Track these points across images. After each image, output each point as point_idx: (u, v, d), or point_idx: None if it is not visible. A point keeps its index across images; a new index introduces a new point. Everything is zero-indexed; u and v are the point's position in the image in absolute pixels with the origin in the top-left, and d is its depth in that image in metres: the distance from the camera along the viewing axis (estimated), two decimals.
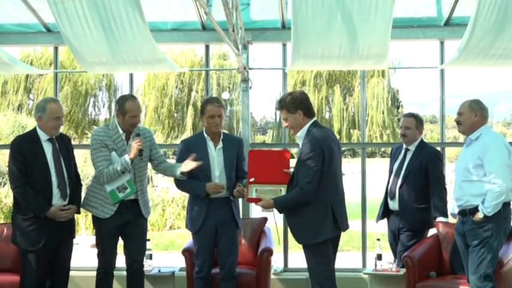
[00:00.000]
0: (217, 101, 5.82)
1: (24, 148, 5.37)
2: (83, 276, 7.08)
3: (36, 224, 5.37)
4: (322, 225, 4.98)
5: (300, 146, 5.10)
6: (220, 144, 5.83)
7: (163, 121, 30.43)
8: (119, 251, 5.91)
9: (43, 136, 5.43)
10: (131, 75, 7.88)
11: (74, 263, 5.88)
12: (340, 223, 5.09)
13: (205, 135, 5.83)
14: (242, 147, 6.06)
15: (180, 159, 5.77)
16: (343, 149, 8.04)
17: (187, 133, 27.88)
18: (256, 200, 5.25)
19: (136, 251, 5.87)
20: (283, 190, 5.19)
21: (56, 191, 5.42)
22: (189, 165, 5.62)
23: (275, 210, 5.21)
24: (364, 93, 8.00)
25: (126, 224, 5.71)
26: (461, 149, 5.58)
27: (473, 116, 5.39)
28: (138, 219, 5.77)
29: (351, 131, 33.75)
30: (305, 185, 4.92)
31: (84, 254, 10.01)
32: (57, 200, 5.44)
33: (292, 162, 5.28)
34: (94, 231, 6.11)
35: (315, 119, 5.18)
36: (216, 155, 5.80)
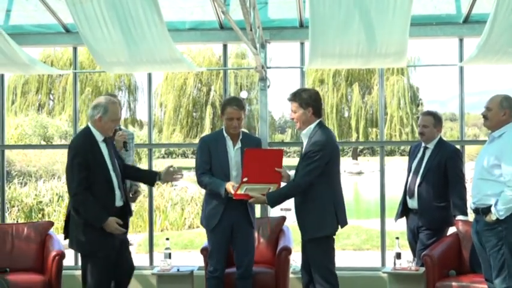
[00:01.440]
0: (238, 104, 5.73)
1: (87, 151, 5.17)
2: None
3: (97, 229, 5.16)
4: (326, 220, 5.24)
5: (305, 143, 5.31)
6: (239, 145, 5.80)
7: (181, 120, 30.58)
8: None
9: (99, 137, 5.26)
10: (150, 75, 7.91)
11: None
12: (340, 219, 5.31)
13: (225, 134, 5.83)
14: (261, 147, 6.06)
15: (203, 157, 5.75)
16: (361, 147, 7.98)
17: (206, 132, 27.96)
18: (245, 197, 5.37)
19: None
20: (271, 189, 5.36)
21: (117, 192, 5.29)
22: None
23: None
24: (382, 91, 7.97)
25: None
26: (484, 145, 5.47)
27: (502, 115, 5.21)
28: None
29: (370, 129, 33.71)
30: (300, 178, 5.19)
31: None
32: (118, 201, 5.31)
33: (288, 161, 5.37)
34: None
35: (321, 119, 5.39)
36: (234, 155, 5.78)
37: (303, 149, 5.35)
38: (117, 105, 5.41)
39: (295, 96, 5.35)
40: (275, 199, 5.33)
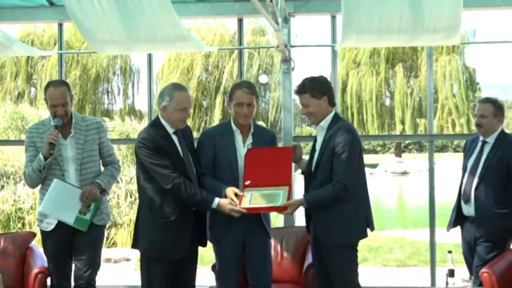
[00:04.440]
0: (249, 86, 5.68)
1: (160, 142, 5.42)
2: None
3: (173, 229, 5.43)
4: (357, 224, 5.39)
5: (322, 137, 5.42)
6: (250, 140, 5.69)
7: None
8: None
9: (169, 128, 5.50)
10: (150, 56, 7.94)
11: None
12: (369, 222, 5.49)
13: (233, 126, 5.69)
14: (275, 143, 5.96)
15: (205, 155, 5.66)
16: (406, 142, 7.98)
17: (217, 122, 27.98)
18: (260, 210, 5.41)
19: (85, 266, 5.97)
20: (281, 193, 5.37)
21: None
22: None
23: None
24: (431, 74, 7.93)
25: (74, 234, 5.90)
26: None
27: None
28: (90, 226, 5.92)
29: (417, 120, 33.60)
30: (343, 178, 5.23)
31: None
32: None
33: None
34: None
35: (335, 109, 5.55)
36: (244, 152, 5.63)
37: (320, 144, 5.43)
38: (184, 92, 5.55)
39: (305, 87, 5.43)
40: (316, 202, 5.37)
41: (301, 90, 5.44)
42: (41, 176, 5.78)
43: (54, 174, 5.83)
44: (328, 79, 5.64)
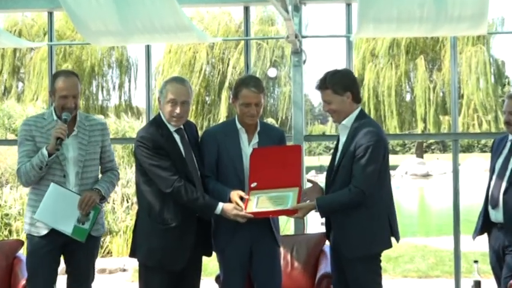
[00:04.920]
0: (256, 84, 5.61)
1: (160, 141, 5.42)
2: None
3: (174, 236, 5.43)
4: (381, 232, 5.32)
5: (345, 137, 5.36)
6: (256, 139, 5.68)
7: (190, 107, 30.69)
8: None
9: (170, 126, 5.52)
10: (148, 48, 7.96)
11: None
12: (394, 231, 5.41)
13: (238, 125, 5.67)
14: (284, 143, 5.95)
15: (208, 156, 5.65)
16: (430, 141, 7.98)
17: (222, 120, 27.99)
18: (269, 214, 5.39)
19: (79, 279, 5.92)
20: (291, 195, 5.34)
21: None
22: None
23: None
24: (456, 67, 7.94)
25: (67, 244, 5.75)
26: None
27: None
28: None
29: (440, 117, 33.55)
30: (361, 183, 5.18)
31: None
32: None
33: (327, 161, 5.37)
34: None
35: (361, 106, 5.48)
36: (249, 152, 5.60)
37: (343, 144, 5.39)
38: (176, 83, 5.54)
39: (326, 82, 5.37)
40: (329, 207, 5.33)
41: (323, 85, 5.39)
42: (40, 173, 5.59)
43: (54, 174, 5.66)
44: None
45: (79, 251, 5.76)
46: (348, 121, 5.38)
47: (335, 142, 5.68)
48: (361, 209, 5.23)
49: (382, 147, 5.29)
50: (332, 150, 5.80)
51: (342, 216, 5.33)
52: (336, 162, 5.40)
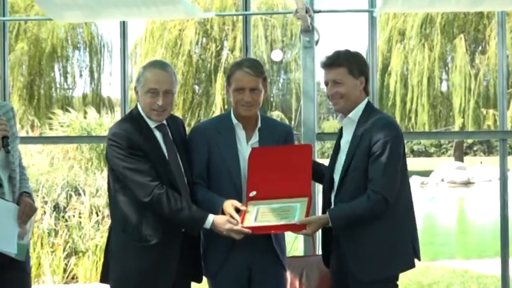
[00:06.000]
0: (251, 65, 5.58)
1: (137, 139, 5.36)
2: None
3: (154, 255, 5.38)
4: (402, 250, 5.25)
5: (352, 132, 5.31)
6: (256, 137, 5.65)
7: (176, 97, 30.72)
8: None
9: (150, 122, 5.49)
10: (123, 25, 7.97)
11: None
12: (416, 248, 5.36)
13: (234, 119, 5.64)
14: (292, 141, 5.94)
15: (197, 158, 5.62)
16: (471, 141, 7.96)
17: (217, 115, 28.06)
18: (262, 230, 5.30)
19: None
20: (298, 207, 5.28)
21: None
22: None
23: None
24: (504, 50, 7.93)
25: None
26: None
27: None
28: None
29: (484, 111, 33.62)
30: (383, 188, 5.10)
31: None
32: None
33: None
34: None
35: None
36: (247, 153, 5.57)
37: (349, 142, 5.33)
38: (154, 69, 5.48)
39: (340, 59, 5.34)
40: (345, 220, 5.19)
41: (335, 61, 5.33)
42: None
43: None
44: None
45: (17, 274, 5.36)
46: (355, 114, 5.33)
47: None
48: (380, 219, 5.15)
49: (402, 145, 5.24)
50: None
51: (355, 228, 5.21)
52: (343, 163, 5.30)
